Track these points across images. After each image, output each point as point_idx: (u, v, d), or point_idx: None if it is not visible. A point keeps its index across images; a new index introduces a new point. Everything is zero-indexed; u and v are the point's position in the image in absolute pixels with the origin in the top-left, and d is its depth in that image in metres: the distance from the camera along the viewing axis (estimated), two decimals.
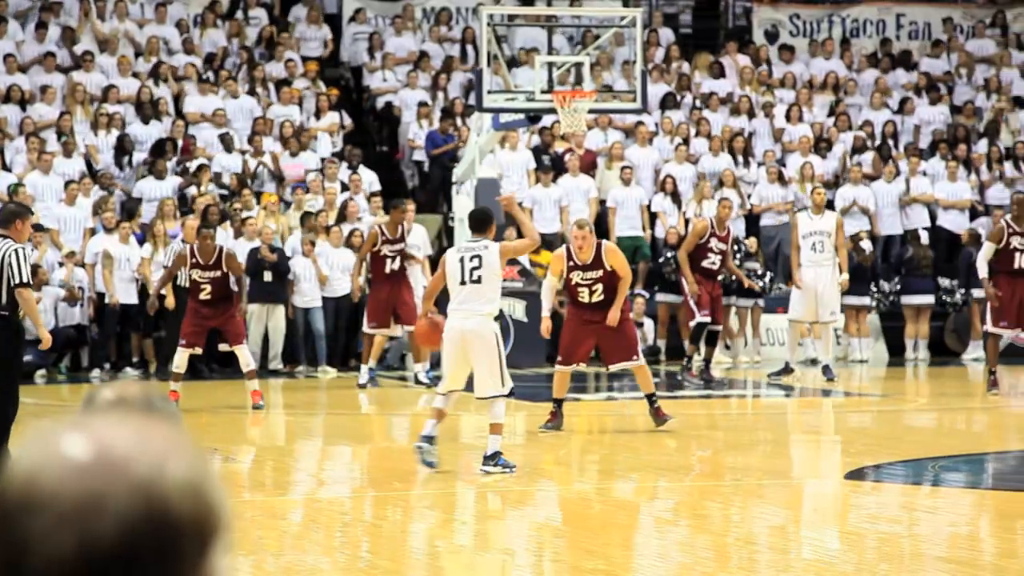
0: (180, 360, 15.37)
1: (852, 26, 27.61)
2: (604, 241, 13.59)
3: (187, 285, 15.87)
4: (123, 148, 21.82)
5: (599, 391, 18.26)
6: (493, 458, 10.73)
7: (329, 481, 11.55)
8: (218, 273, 15.43)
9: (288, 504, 10.02)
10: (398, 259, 17.34)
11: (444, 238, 22.71)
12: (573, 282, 13.09)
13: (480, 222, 10.92)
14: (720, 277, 18.03)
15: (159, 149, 21.88)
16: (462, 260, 10.67)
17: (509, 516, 9.70)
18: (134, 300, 19.40)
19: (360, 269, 17.77)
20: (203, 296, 15.42)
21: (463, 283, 10.63)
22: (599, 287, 13.00)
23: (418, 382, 17.63)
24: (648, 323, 21.61)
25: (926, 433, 14.36)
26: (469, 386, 10.83)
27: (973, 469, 11.65)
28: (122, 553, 1.46)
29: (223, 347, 16.10)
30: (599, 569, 7.46)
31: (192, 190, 21.33)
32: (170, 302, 17.71)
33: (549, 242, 22.29)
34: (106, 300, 19.37)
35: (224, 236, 20.07)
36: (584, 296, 13.06)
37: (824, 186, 23.60)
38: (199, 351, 15.71)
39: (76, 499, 1.47)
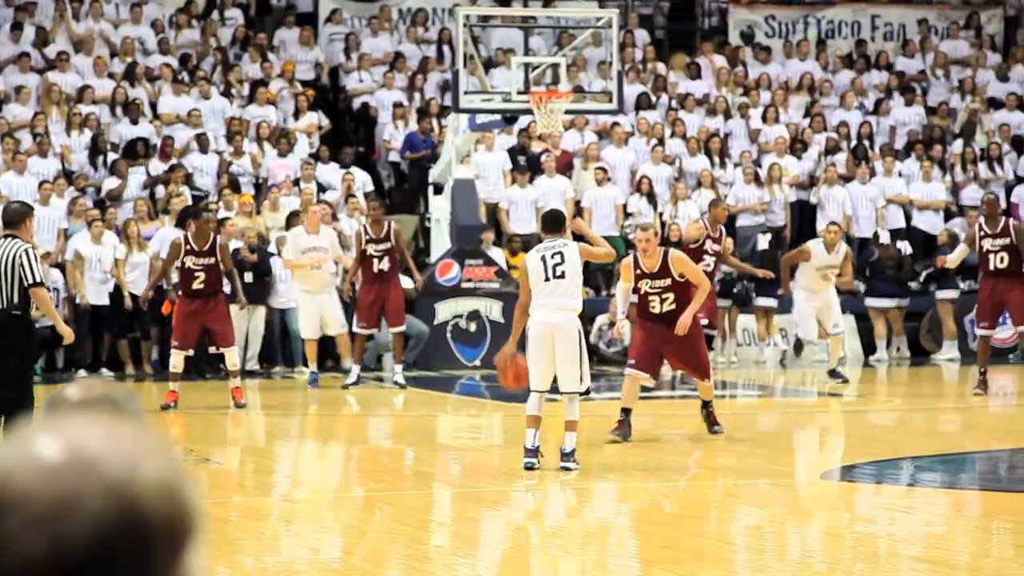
0: (176, 361, 15.49)
1: (827, 27, 27.69)
2: (671, 249, 12.99)
3: (177, 279, 15.89)
4: (97, 148, 21.74)
5: None
6: (572, 454, 10.87)
7: (306, 482, 11.53)
8: (212, 260, 15.44)
9: (265, 505, 10.00)
10: (385, 259, 17.27)
11: (420, 239, 22.70)
12: (643, 291, 12.57)
13: (556, 222, 11.13)
14: (718, 277, 18.00)
15: (131, 150, 21.82)
16: (543, 259, 10.85)
17: (492, 518, 9.69)
18: (106, 301, 19.35)
19: (355, 270, 17.64)
20: (196, 285, 15.41)
21: (547, 280, 10.78)
22: (669, 296, 12.47)
23: (394, 383, 17.64)
24: (627, 324, 21.62)
25: (900, 433, 14.41)
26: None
27: (948, 469, 11.69)
28: (95, 554, 1.46)
29: (212, 349, 16.09)
30: (570, 569, 7.46)
31: (161, 189, 21.29)
32: (166, 308, 17.64)
33: (526, 242, 22.31)
34: (76, 300, 19.32)
35: None
36: (655, 306, 12.51)
37: (799, 187, 23.70)
38: (191, 352, 15.82)
39: (49, 500, 1.47)
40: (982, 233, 16.60)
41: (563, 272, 10.79)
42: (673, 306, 12.43)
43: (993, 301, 16.62)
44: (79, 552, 1.46)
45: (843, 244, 18.11)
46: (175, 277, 17.50)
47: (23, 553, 1.45)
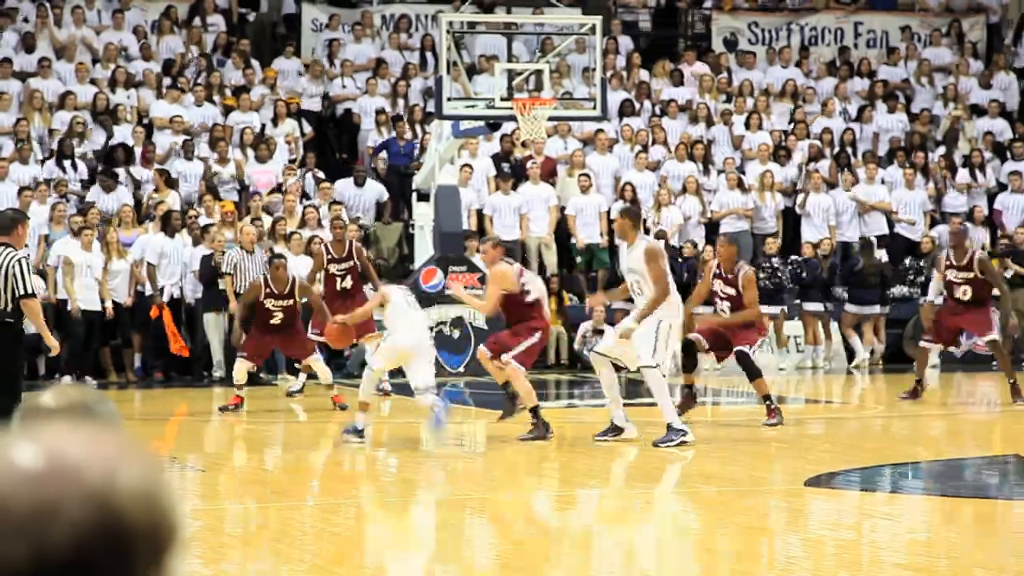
0: (239, 370, 16.11)
1: (810, 34, 27.76)
2: (744, 266, 14.49)
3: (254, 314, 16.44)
4: (63, 153, 21.63)
5: (559, 399, 18.26)
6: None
7: (289, 489, 11.51)
8: (291, 302, 16.24)
9: (248, 512, 9.97)
10: (348, 277, 17.29)
11: (404, 245, 22.68)
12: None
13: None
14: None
15: (110, 157, 21.78)
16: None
17: (478, 526, 9.68)
18: (96, 307, 19.30)
19: (311, 289, 17.63)
20: (274, 322, 16.20)
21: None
22: (726, 305, 14.23)
23: (379, 390, 17.60)
24: (609, 330, 21.65)
25: (883, 440, 14.42)
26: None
27: (931, 476, 11.71)
28: (75, 561, 1.45)
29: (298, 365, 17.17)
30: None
31: (146, 196, 21.26)
32: (154, 312, 17.88)
33: (510, 250, 22.32)
34: (68, 307, 19.26)
35: (182, 243, 20.02)
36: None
37: (782, 193, 23.74)
38: (254, 367, 16.80)
39: (29, 507, 1.46)
40: (947, 263, 16.53)
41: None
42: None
43: (950, 324, 16.67)
44: (59, 559, 1.45)
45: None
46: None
47: (3, 560, 1.44)
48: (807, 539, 8.78)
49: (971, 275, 16.25)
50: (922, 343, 16.95)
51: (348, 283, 17.28)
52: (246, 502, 10.51)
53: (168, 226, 20.12)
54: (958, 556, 8.14)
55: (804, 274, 21.78)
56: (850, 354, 22.21)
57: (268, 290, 16.12)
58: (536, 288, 13.12)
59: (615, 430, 12.86)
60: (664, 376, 12.51)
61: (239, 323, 17.09)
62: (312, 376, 16.87)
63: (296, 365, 17.84)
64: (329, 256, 17.36)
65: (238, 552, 8.39)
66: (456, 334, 20.18)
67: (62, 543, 1.45)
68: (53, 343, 11.52)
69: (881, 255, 22.54)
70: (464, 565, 8.19)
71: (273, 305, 16.10)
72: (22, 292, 10.39)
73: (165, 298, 19.75)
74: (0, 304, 10.39)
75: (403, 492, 10.82)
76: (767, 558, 8.26)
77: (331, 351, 17.75)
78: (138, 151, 22.15)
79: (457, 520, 9.70)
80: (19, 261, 10.46)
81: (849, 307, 22.06)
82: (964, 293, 16.33)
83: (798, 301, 21.88)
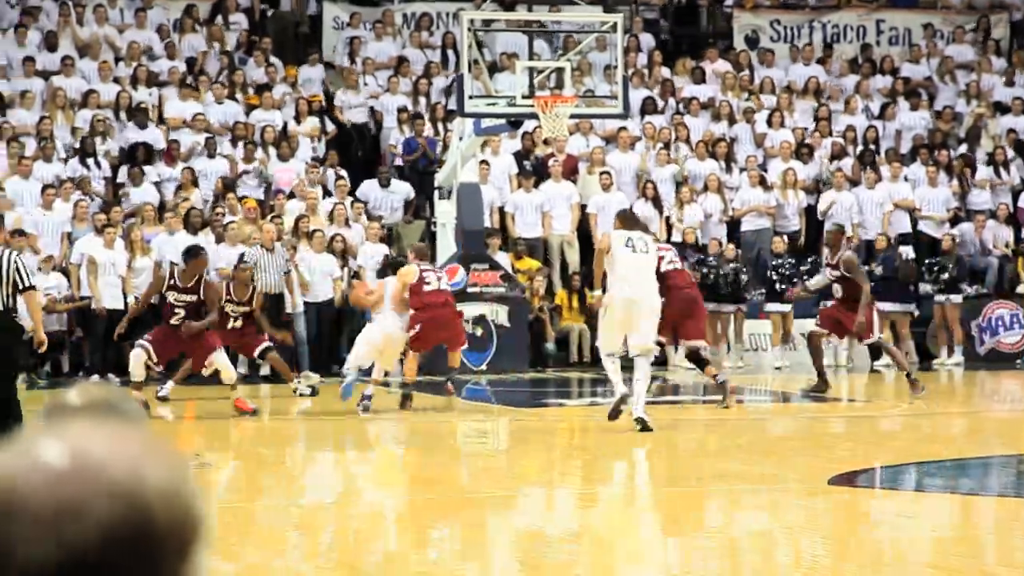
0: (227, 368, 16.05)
1: (832, 32, 27.69)
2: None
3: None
4: (85, 151, 21.68)
5: (582, 396, 18.25)
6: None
7: (310, 487, 11.52)
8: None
9: (270, 508, 9.99)
10: (240, 319, 16.62)
11: (426, 243, 22.66)
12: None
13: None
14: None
15: (132, 155, 21.85)
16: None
17: (497, 521, 9.67)
18: (120, 305, 19.35)
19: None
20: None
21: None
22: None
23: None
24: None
25: (907, 438, 14.38)
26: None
27: (956, 474, 11.67)
28: (102, 559, 1.44)
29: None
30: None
31: (171, 195, 21.31)
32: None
33: (532, 247, 22.31)
34: (92, 306, 19.32)
35: (204, 241, 20.06)
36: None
37: (805, 191, 23.70)
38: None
39: (55, 506, 1.45)
40: (826, 261, 17.37)
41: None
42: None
43: (832, 317, 17.22)
44: (86, 558, 1.44)
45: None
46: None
47: (30, 559, 1.44)
48: (831, 538, 8.75)
49: (838, 273, 16.91)
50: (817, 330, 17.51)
51: (239, 324, 16.55)
52: (268, 498, 10.53)
53: (189, 224, 20.17)
54: (983, 555, 8.10)
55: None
56: (872, 353, 22.16)
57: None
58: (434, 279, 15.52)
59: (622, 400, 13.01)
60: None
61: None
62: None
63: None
64: (227, 297, 16.56)
65: (261, 549, 8.40)
66: (478, 332, 20.18)
67: (89, 542, 1.44)
68: (43, 337, 11.87)
69: (908, 252, 22.47)
70: (486, 563, 8.19)
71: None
72: (26, 284, 10.93)
73: None
74: (3, 299, 10.83)
75: (427, 490, 10.82)
76: (791, 557, 8.23)
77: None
78: (160, 149, 22.20)
79: (479, 518, 9.69)
80: (18, 257, 11.14)
81: (884, 306, 21.98)
82: (836, 291, 17.06)
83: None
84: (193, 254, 15.60)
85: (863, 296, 16.88)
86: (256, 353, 16.80)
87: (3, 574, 1.44)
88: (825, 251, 17.71)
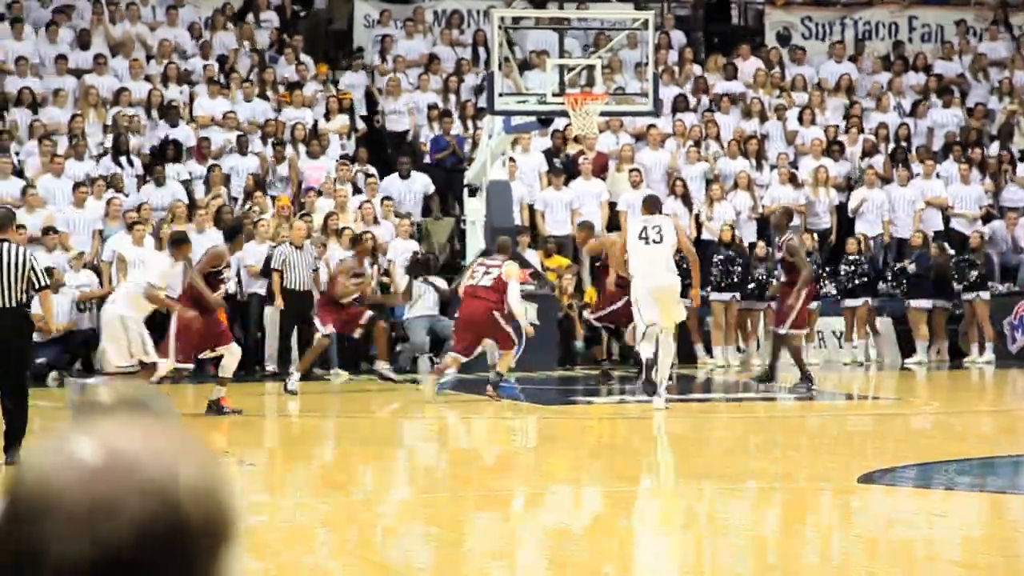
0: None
1: (864, 29, 27.57)
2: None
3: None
4: (119, 149, 21.73)
5: (611, 395, 18.23)
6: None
7: (340, 484, 11.54)
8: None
9: (301, 506, 10.01)
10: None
11: (456, 241, 22.69)
12: None
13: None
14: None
15: (161, 153, 21.89)
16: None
17: (521, 519, 9.67)
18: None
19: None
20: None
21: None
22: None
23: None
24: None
25: (937, 436, 14.32)
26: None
27: (986, 472, 11.61)
28: (136, 557, 1.45)
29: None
30: (605, 573, 7.43)
31: (200, 193, 21.36)
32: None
33: (561, 244, 22.28)
34: None
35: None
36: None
37: (836, 189, 23.60)
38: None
39: (89, 503, 1.46)
40: (777, 247, 17.74)
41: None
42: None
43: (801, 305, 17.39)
44: (120, 555, 1.45)
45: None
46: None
47: (64, 557, 1.45)
48: (861, 536, 8.72)
49: (780, 256, 17.36)
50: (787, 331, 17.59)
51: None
52: (300, 496, 10.55)
53: (220, 222, 20.21)
54: (1013, 554, 8.07)
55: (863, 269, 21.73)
56: (904, 349, 22.06)
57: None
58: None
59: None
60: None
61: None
62: (401, 370, 16.97)
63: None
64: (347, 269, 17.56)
65: (292, 547, 8.42)
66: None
67: (122, 539, 1.45)
68: (52, 327, 12.60)
69: (945, 245, 22.34)
70: (513, 561, 8.19)
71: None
72: (43, 283, 11.23)
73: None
74: (16, 294, 11.04)
75: (456, 487, 10.82)
76: (821, 555, 8.22)
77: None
78: (190, 147, 22.25)
79: (507, 515, 9.70)
80: (33, 256, 11.43)
81: (912, 302, 21.85)
82: (779, 275, 17.66)
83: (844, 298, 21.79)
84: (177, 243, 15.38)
85: (800, 282, 16.98)
86: (363, 321, 17.32)
87: (37, 572, 1.45)
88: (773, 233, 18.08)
